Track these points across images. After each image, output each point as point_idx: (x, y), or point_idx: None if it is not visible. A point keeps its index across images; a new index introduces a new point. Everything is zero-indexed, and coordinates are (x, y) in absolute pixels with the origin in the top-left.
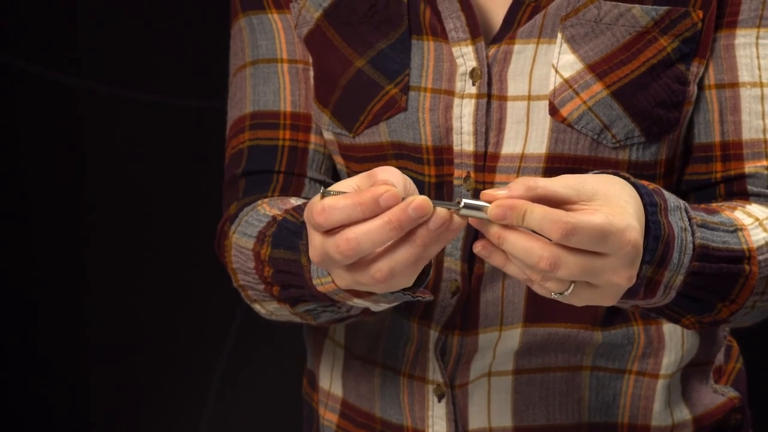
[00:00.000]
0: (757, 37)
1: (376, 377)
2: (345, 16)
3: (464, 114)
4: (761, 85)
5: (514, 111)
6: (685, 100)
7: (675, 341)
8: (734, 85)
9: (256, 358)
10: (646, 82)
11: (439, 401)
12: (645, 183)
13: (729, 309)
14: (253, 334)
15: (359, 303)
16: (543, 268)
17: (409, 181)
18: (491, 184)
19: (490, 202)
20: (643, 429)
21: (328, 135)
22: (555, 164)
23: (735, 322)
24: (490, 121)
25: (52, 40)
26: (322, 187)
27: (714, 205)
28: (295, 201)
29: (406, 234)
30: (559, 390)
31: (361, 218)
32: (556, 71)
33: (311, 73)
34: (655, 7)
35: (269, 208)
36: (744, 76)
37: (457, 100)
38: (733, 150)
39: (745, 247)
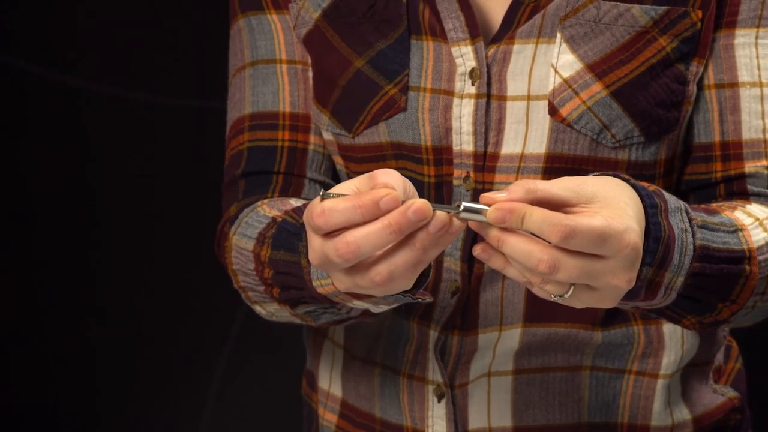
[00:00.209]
0: (757, 37)
1: (376, 377)
2: (344, 17)
3: (464, 114)
4: (761, 84)
5: (514, 111)
6: (685, 100)
7: (675, 341)
8: (734, 84)
9: (256, 358)
10: (646, 81)
11: (439, 401)
12: (645, 185)
13: (730, 309)
14: (253, 334)
15: (359, 305)
16: (542, 271)
17: (409, 183)
18: (491, 184)
19: (489, 205)
20: (643, 429)
21: (327, 135)
22: (554, 164)
23: (735, 323)
24: (489, 121)
25: (52, 40)
26: (322, 189)
27: (714, 205)
28: (294, 202)
29: (405, 237)
30: (558, 390)
31: (360, 221)
32: (556, 71)
33: (310, 74)
34: (654, 6)
35: (269, 209)
36: (744, 75)
37: (456, 100)
38: (733, 150)
39: (745, 247)
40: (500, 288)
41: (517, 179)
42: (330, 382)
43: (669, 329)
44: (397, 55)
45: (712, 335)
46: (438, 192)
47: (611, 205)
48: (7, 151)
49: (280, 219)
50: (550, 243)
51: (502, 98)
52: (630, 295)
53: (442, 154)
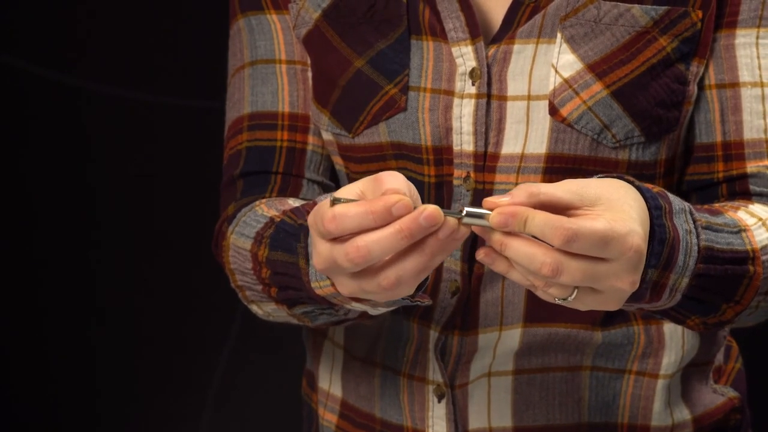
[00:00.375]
0: (757, 37)
1: (376, 378)
2: (344, 17)
3: (464, 114)
4: (762, 84)
5: (514, 111)
6: (685, 100)
7: (675, 341)
8: (735, 85)
9: (256, 358)
10: (646, 81)
11: (439, 401)
12: (650, 186)
13: (734, 310)
14: (253, 335)
15: (357, 307)
16: (545, 274)
17: (413, 186)
18: (491, 184)
19: (491, 210)
20: (643, 429)
21: (327, 135)
22: (555, 164)
23: (739, 323)
24: (489, 121)
25: (52, 40)
26: (332, 195)
27: (717, 205)
28: (293, 202)
29: (413, 243)
30: (559, 390)
31: (372, 226)
32: (556, 71)
33: (309, 74)
34: (654, 6)
35: (267, 208)
36: (744, 76)
37: (456, 100)
38: (734, 150)
39: (749, 247)
40: (500, 288)
41: (517, 179)
42: (330, 383)
43: (669, 329)
44: (397, 55)
45: (712, 335)
46: (438, 192)
47: (614, 208)
48: (7, 151)
49: (278, 219)
50: (553, 246)
51: (503, 98)
52: (635, 297)
53: (443, 154)
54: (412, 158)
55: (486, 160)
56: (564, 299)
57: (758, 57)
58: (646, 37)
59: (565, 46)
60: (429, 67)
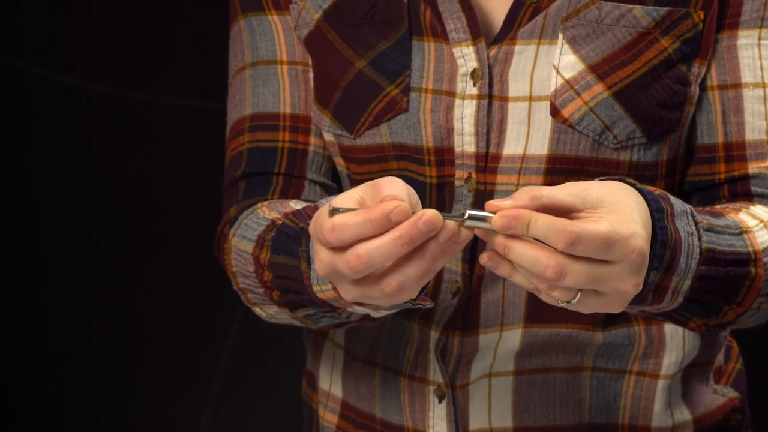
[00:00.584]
0: (759, 38)
1: (377, 378)
2: (345, 18)
3: (465, 115)
4: (764, 85)
5: (516, 112)
6: (687, 101)
7: (676, 342)
8: (737, 86)
9: (256, 358)
10: (648, 82)
11: (440, 402)
12: (651, 188)
13: (735, 312)
14: (253, 335)
15: (359, 310)
16: (549, 277)
17: (412, 191)
18: (492, 185)
19: (494, 213)
20: (644, 429)
21: (328, 136)
22: (556, 165)
23: (740, 324)
24: (491, 122)
25: (52, 40)
26: (330, 205)
27: (718, 207)
28: (294, 204)
29: (415, 248)
30: (559, 391)
31: (371, 234)
32: (558, 72)
33: (311, 75)
34: (656, 7)
35: (268, 211)
36: (747, 77)
37: (458, 101)
38: (736, 151)
39: (750, 249)
40: (501, 288)
41: (518, 180)
42: (330, 383)
43: (670, 330)
44: (398, 56)
45: (712, 336)
46: (440, 193)
47: (617, 210)
48: (7, 150)
49: (279, 222)
50: (556, 249)
51: (504, 99)
52: (638, 300)
53: (444, 155)
54: (413, 159)
55: (487, 161)
56: (567, 302)
57: (760, 58)
58: (648, 38)
59: (566, 46)
60: (430, 68)
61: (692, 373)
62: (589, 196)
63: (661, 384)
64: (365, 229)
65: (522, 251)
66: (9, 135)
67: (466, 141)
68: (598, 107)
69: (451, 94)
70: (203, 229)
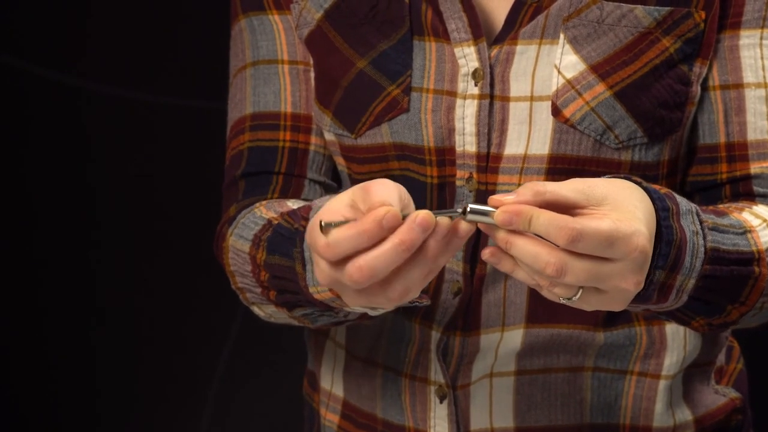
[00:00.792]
0: (761, 38)
1: (378, 378)
2: (346, 17)
3: (467, 115)
4: (766, 86)
5: (517, 112)
6: (688, 101)
7: (677, 342)
8: (739, 86)
9: (256, 358)
10: (649, 82)
11: (441, 402)
12: (657, 187)
13: (739, 311)
14: (253, 335)
15: (357, 309)
16: (550, 273)
17: (404, 189)
18: (494, 185)
19: (496, 208)
20: (645, 430)
21: (329, 136)
22: (557, 165)
23: (743, 324)
24: (492, 122)
25: (52, 40)
26: (321, 221)
27: (721, 206)
28: (292, 203)
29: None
30: (561, 391)
31: (367, 245)
32: (559, 72)
33: (312, 74)
34: (657, 7)
35: (266, 210)
36: (748, 76)
37: (459, 101)
38: (738, 151)
39: (754, 249)
40: (502, 289)
41: (520, 180)
42: (332, 383)
43: (671, 330)
44: (399, 56)
45: (714, 336)
46: (441, 193)
47: (620, 208)
48: (7, 150)
49: (275, 222)
50: (558, 246)
51: (505, 99)
52: (642, 299)
53: (445, 155)
54: (414, 159)
55: (489, 161)
56: (569, 299)
57: (762, 58)
58: (649, 38)
59: (567, 46)
60: (431, 68)
61: (693, 374)
62: (594, 193)
63: (662, 384)
64: (360, 241)
65: (523, 247)
66: (9, 135)
67: (467, 141)
68: (599, 107)
69: (453, 94)
70: (203, 229)
